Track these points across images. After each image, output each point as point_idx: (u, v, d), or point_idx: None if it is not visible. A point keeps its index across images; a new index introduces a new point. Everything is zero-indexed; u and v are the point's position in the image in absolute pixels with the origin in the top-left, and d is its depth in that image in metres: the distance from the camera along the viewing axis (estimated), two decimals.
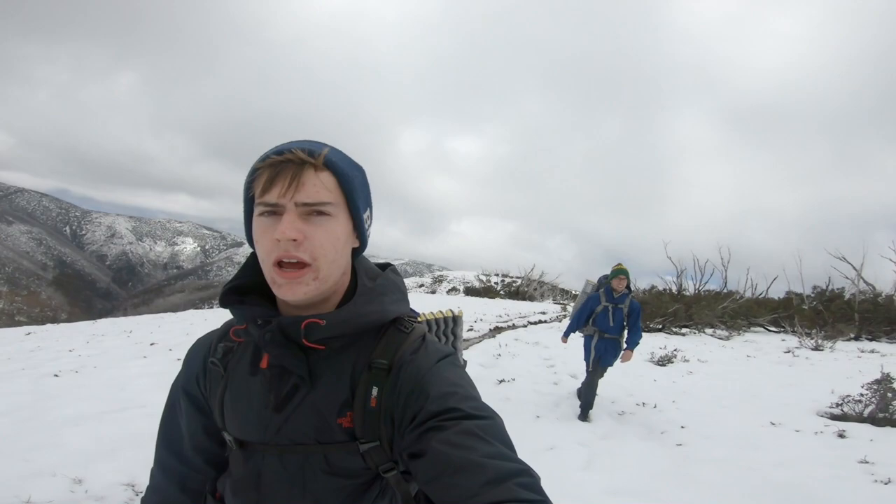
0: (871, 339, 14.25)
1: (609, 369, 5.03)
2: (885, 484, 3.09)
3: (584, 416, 4.75)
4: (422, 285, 31.68)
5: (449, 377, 0.71)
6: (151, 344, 7.21)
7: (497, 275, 37.17)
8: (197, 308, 21.91)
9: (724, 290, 18.91)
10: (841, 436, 4.17)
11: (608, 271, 5.10)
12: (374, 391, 0.71)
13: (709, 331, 14.52)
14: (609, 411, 4.96)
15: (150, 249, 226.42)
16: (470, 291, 29.85)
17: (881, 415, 4.65)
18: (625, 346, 4.85)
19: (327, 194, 0.69)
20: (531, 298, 30.10)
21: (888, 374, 4.87)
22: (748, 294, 19.11)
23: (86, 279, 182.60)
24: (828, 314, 14.66)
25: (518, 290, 31.50)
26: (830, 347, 11.21)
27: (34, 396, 3.98)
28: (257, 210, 0.70)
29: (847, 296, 15.91)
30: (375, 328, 0.77)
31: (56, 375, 4.68)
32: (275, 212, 0.68)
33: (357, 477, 0.74)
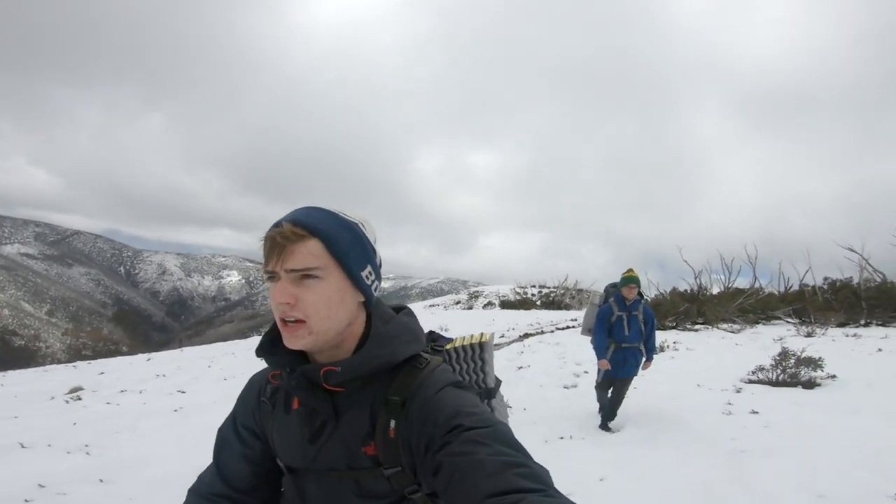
0: (881, 325, 15.53)
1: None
2: (728, 415, 5.26)
3: (607, 420, 5.01)
4: (458, 302, 34.00)
5: (452, 401, 0.82)
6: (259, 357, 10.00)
7: (534, 286, 38.94)
8: (247, 337, 25.18)
9: (756, 286, 20.38)
10: (738, 391, 6.30)
11: (636, 274, 5.03)
12: (392, 423, 0.84)
13: (724, 325, 16.22)
14: (590, 381, 7.11)
15: (199, 284, 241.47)
16: (506, 305, 31.92)
17: (781, 378, 6.72)
18: (643, 357, 4.98)
19: (313, 260, 0.82)
20: (567, 307, 31.90)
21: (786, 349, 6.93)
22: (779, 288, 20.45)
23: (142, 314, 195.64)
24: (836, 304, 16.08)
25: (553, 300, 33.36)
26: (822, 334, 12.85)
27: (224, 391, 6.69)
28: (265, 276, 0.85)
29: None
30: (390, 367, 0.89)
31: (225, 379, 7.44)
32: (272, 278, 0.83)
33: (385, 497, 0.86)
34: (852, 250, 17.49)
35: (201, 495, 1.02)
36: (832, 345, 10.67)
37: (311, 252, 0.82)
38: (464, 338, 1.07)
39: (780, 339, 12.59)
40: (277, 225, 0.84)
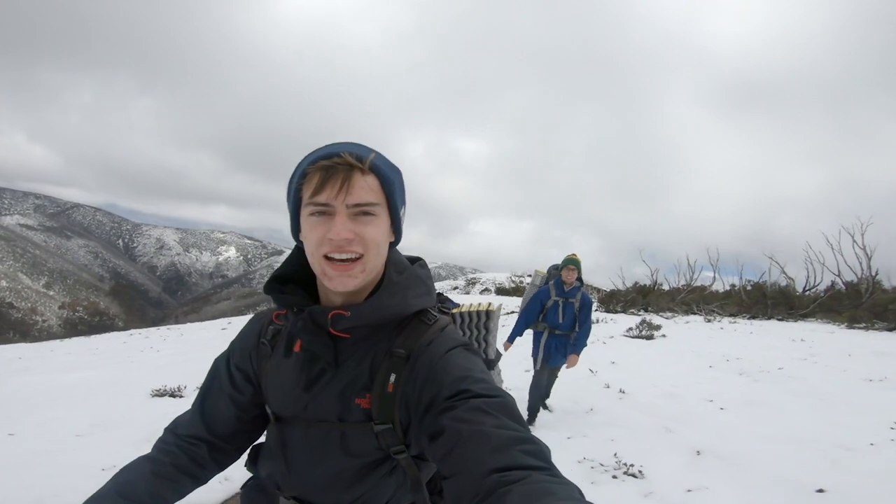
0: (780, 320, 21.02)
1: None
2: (591, 344, 10.97)
3: (530, 419, 4.86)
4: (456, 287, 38.93)
5: (461, 363, 0.82)
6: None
7: (529, 275, 44.46)
8: (243, 314, 29.17)
9: (711, 283, 26.09)
10: (610, 338, 11.96)
11: (577, 257, 4.83)
12: (392, 377, 0.85)
13: (664, 314, 21.88)
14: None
15: (197, 260, 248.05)
16: (501, 291, 37.25)
17: (640, 334, 12.40)
18: (572, 348, 4.79)
19: (373, 195, 0.83)
20: None
21: (643, 319, 12.63)
22: (737, 284, 26.11)
23: (139, 289, 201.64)
24: (748, 301, 21.64)
25: None
26: (719, 321, 18.52)
27: None
28: (308, 210, 0.82)
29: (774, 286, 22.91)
30: (399, 319, 0.90)
31: None
32: (325, 212, 0.81)
33: (368, 456, 0.88)
34: (771, 258, 23.17)
35: (178, 436, 1.01)
36: (703, 325, 16.43)
37: (371, 188, 0.83)
38: (471, 305, 1.11)
39: (687, 322, 18.27)
40: (332, 153, 0.81)
